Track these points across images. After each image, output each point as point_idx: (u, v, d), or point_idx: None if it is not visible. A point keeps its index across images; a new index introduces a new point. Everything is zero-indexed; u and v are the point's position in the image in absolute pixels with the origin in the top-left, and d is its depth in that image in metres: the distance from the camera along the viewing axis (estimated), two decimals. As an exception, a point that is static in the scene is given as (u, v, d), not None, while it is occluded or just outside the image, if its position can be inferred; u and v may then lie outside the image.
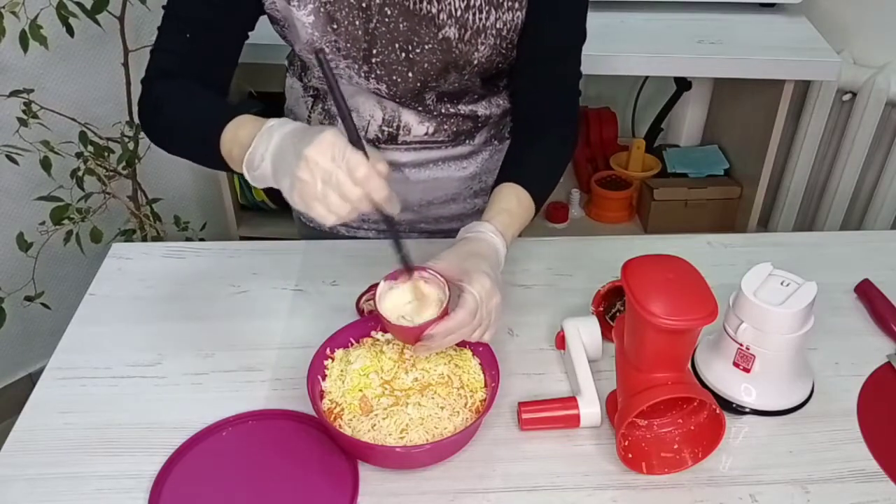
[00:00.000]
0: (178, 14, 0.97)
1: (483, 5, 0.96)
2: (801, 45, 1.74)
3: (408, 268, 0.87)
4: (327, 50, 1.00)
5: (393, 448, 0.83)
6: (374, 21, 0.98)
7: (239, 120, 0.88)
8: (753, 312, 0.87)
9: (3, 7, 1.51)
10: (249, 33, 1.02)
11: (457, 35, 0.98)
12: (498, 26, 0.98)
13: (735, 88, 2.05)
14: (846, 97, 2.01)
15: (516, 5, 0.97)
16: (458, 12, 0.96)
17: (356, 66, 1.02)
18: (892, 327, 1.03)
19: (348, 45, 1.00)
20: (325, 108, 1.14)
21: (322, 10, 0.97)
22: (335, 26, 0.98)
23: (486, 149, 1.19)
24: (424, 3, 0.96)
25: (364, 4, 0.97)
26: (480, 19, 0.97)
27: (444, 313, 0.85)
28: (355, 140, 0.79)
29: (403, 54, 1.00)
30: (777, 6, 1.89)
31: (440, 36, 0.98)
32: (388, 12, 0.97)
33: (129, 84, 1.79)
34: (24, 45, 1.54)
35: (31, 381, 2.03)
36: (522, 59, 1.05)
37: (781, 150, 1.98)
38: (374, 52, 1.00)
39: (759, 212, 1.98)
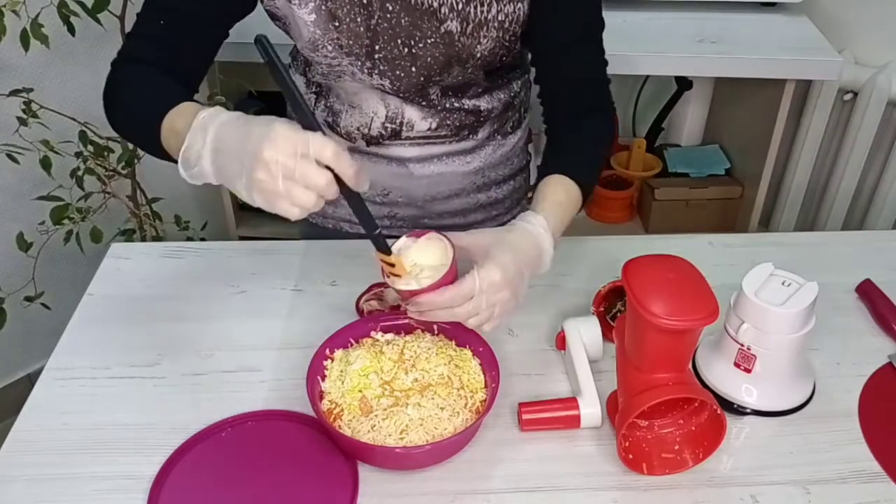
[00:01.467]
0: (157, 2, 0.96)
1: None
2: (802, 45, 1.74)
3: (381, 247, 0.84)
4: (330, 48, 1.00)
5: (392, 449, 0.83)
6: (376, 17, 0.97)
7: (179, 108, 0.84)
8: (754, 312, 0.87)
9: (4, 6, 1.51)
10: (231, 32, 1.00)
11: (459, 28, 0.97)
12: (500, 18, 0.97)
13: (736, 88, 2.05)
14: (847, 97, 2.01)
15: None
16: (460, 5, 0.96)
17: (359, 63, 1.02)
18: (894, 327, 1.03)
19: (350, 42, 0.99)
20: (328, 104, 1.14)
21: (323, 7, 0.97)
22: (337, 24, 0.98)
23: (489, 144, 1.19)
24: None
25: (365, 1, 0.96)
26: (482, 12, 0.96)
27: (438, 285, 0.84)
28: (309, 124, 0.74)
29: (406, 49, 1.00)
30: (778, 5, 1.89)
31: (442, 30, 0.98)
32: (390, 8, 0.97)
33: (129, 83, 1.79)
34: (25, 44, 1.54)
35: (31, 381, 2.03)
36: (539, 53, 1.04)
37: (782, 149, 1.98)
38: (377, 48, 1.00)
39: (761, 212, 1.99)
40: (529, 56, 1.09)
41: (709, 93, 2.24)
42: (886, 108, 1.94)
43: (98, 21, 1.64)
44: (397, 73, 1.03)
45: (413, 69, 1.02)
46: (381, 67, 1.02)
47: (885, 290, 1.07)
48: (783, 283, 0.89)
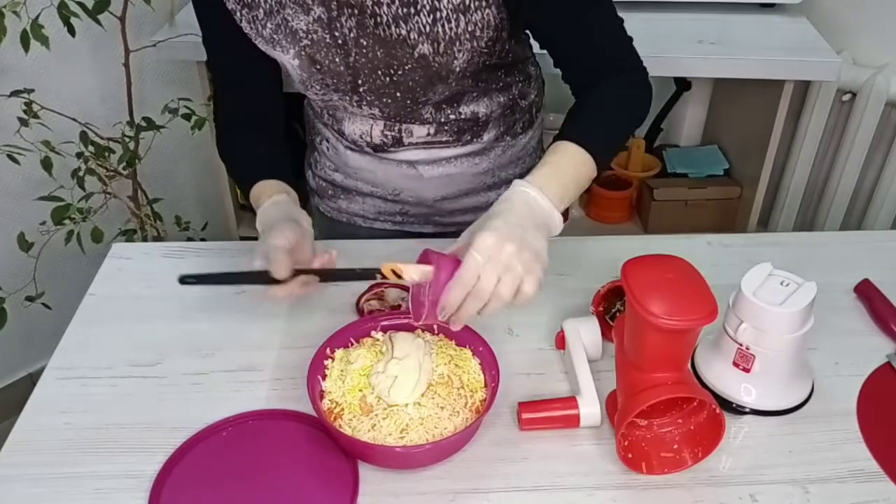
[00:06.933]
0: (212, 72, 1.12)
1: (450, 14, 0.95)
2: (801, 46, 1.74)
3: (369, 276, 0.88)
4: (318, 87, 1.05)
5: (393, 448, 0.83)
6: (353, 55, 1.00)
7: (257, 190, 1.04)
8: (753, 312, 0.87)
9: (5, 6, 1.51)
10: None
11: (431, 50, 0.98)
12: (470, 29, 0.97)
13: (735, 88, 2.05)
14: (846, 97, 2.01)
15: (484, 3, 0.95)
16: (428, 28, 0.96)
17: (347, 98, 1.06)
18: (892, 327, 1.03)
19: (334, 80, 1.03)
20: (332, 113, 1.16)
21: (303, 53, 1.01)
22: (318, 66, 1.02)
23: (498, 145, 1.19)
24: (393, 28, 0.96)
25: (340, 41, 0.99)
26: (451, 29, 0.96)
27: (439, 288, 0.82)
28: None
29: (387, 78, 1.02)
30: (777, 6, 1.89)
31: (416, 55, 0.99)
32: (364, 43, 0.98)
33: (129, 84, 1.79)
34: (26, 45, 1.54)
35: (32, 380, 2.03)
36: (539, 33, 1.01)
37: (781, 150, 1.98)
38: (360, 81, 1.03)
39: (759, 212, 1.99)
40: (529, 51, 1.08)
41: (708, 93, 2.24)
42: (885, 109, 1.95)
43: (98, 22, 1.64)
44: (384, 100, 1.06)
45: (398, 94, 1.05)
46: (368, 98, 1.06)
47: (883, 289, 1.07)
48: (782, 283, 0.89)
